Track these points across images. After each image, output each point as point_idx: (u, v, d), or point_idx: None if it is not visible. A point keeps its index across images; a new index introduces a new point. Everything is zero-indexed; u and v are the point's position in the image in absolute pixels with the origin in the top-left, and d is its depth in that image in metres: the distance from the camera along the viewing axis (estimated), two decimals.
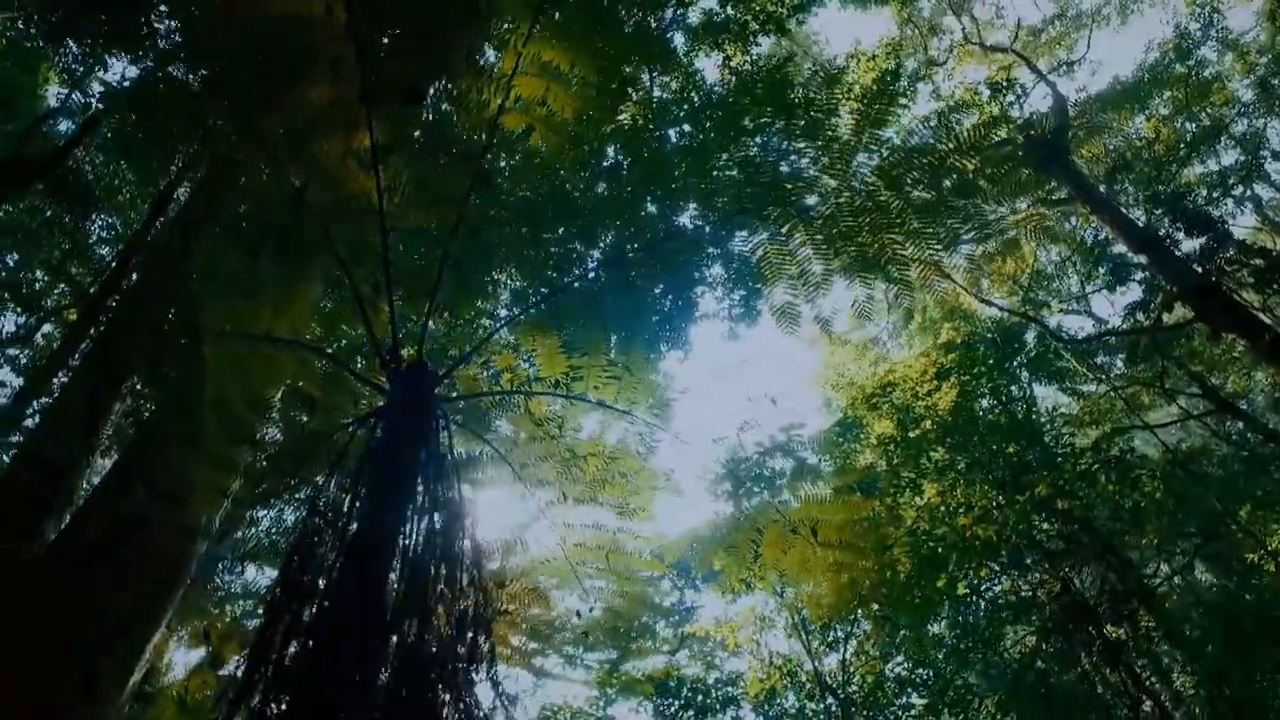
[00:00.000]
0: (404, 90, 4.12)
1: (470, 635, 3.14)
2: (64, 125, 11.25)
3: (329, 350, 5.07)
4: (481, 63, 4.58)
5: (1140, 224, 13.78)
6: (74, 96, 10.06)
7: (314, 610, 2.96)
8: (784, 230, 7.95)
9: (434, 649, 2.97)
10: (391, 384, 3.99)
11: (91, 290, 10.34)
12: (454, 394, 5.64)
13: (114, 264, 8.99)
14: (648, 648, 17.66)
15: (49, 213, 10.56)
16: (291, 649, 2.83)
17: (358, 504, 3.36)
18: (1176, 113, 16.50)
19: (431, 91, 4.38)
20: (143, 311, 5.58)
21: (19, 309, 10.79)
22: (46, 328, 11.11)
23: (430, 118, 4.48)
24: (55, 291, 11.51)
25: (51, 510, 4.76)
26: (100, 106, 9.01)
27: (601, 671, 15.46)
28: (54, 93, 11.22)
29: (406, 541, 3.22)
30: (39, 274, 11.09)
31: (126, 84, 9.05)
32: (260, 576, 10.95)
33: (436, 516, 3.43)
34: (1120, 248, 14.16)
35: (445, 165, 4.45)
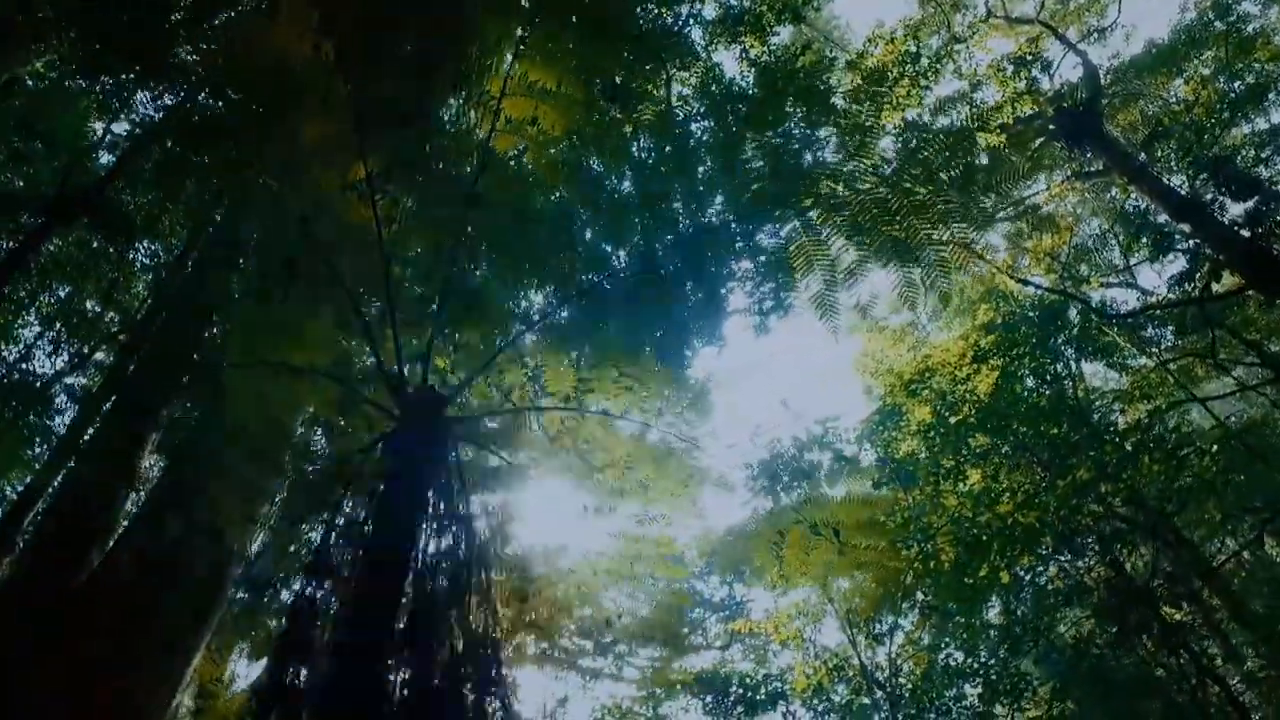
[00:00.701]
0: (394, 120, 4.18)
1: (480, 649, 3.17)
2: (106, 158, 11.63)
3: (341, 377, 5.18)
4: (469, 88, 4.64)
5: (1182, 191, 13.32)
6: (110, 130, 10.41)
7: (328, 632, 3.03)
8: (811, 220, 7.89)
9: (442, 664, 3.01)
10: (399, 409, 4.05)
11: (136, 318, 10.68)
12: (476, 410, 5.70)
13: (150, 294, 9.30)
14: (699, 644, 17.64)
15: (95, 244, 10.94)
16: (308, 668, 2.90)
17: (368, 528, 3.42)
18: (1218, 73, 15.88)
19: (422, 118, 4.44)
20: (167, 344, 5.75)
21: (73, 339, 11.19)
22: (99, 355, 11.51)
23: (422, 144, 4.55)
24: (107, 318, 11.92)
25: (95, 540, 4.93)
26: (126, 142, 9.31)
27: (651, 671, 15.47)
28: (95, 127, 11.59)
29: (415, 563, 3.26)
30: (90, 304, 11.50)
31: (158, 116, 9.36)
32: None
33: (447, 536, 3.47)
34: (1163, 217, 13.73)
35: (441, 190, 4.51)
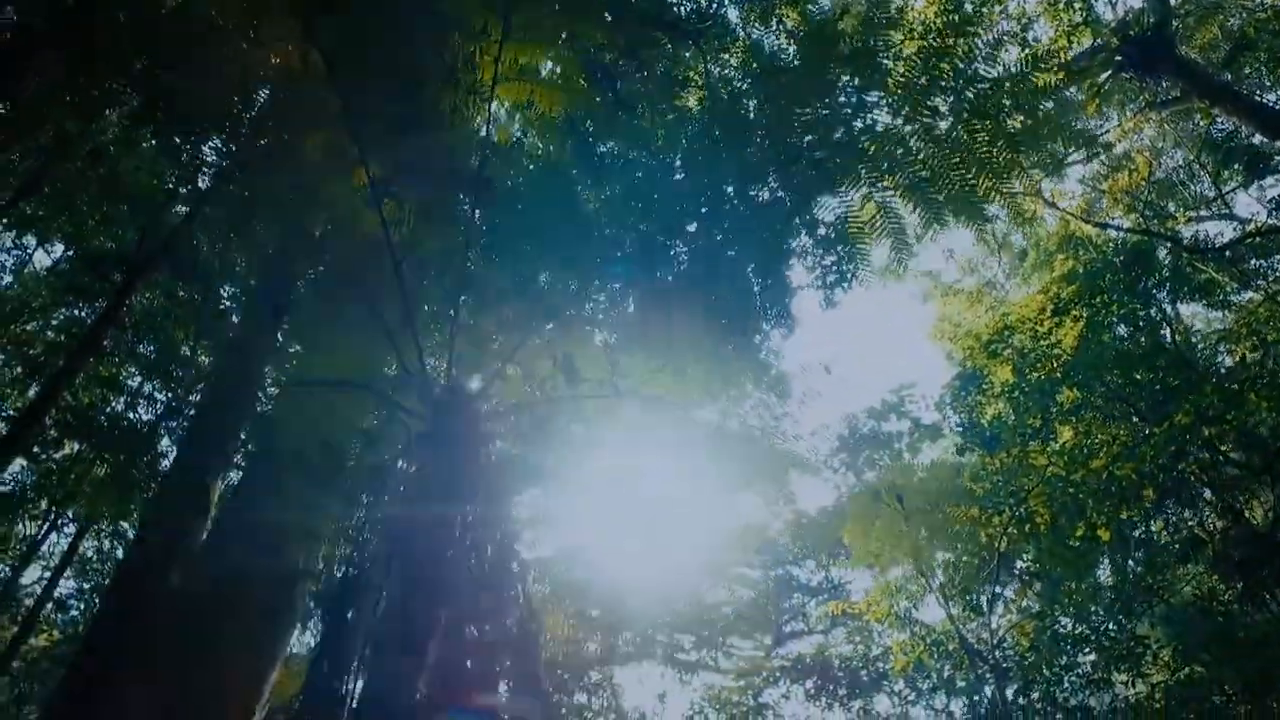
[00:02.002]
0: (390, 122, 4.23)
1: (515, 649, 3.19)
2: (181, 209, 12.24)
3: (375, 387, 5.30)
4: (462, 79, 4.66)
5: (1276, 105, 12.36)
6: (181, 183, 10.94)
7: (362, 640, 3.11)
8: (868, 187, 7.68)
9: (473, 666, 3.05)
10: (428, 409, 4.08)
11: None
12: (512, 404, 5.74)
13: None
14: (800, 630, 17.48)
15: (179, 293, 11.55)
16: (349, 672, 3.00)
17: (400, 530, 3.49)
18: None
19: (418, 116, 4.47)
20: (232, 378, 5.99)
21: (166, 387, 11.85)
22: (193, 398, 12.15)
23: (424, 142, 4.59)
24: (199, 361, 12.59)
25: (173, 565, 5.22)
26: (191, 189, 9.80)
27: (751, 660, 15.38)
28: (168, 179, 12.18)
29: (448, 562, 3.29)
30: (182, 351, 12.14)
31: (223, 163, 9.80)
32: None
33: (480, 533, 3.49)
34: (1257, 138, 12.77)
35: (445, 188, 4.56)
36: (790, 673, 12.53)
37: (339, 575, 3.53)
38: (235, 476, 6.78)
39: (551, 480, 6.30)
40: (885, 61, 7.62)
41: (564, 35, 5.13)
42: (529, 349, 5.80)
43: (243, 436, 6.23)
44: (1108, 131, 14.81)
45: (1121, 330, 11.24)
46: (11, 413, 12.19)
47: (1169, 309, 12.58)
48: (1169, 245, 11.95)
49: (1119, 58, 12.95)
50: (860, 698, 11.27)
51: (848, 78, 7.59)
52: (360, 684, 2.89)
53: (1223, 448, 9.02)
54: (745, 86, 12.37)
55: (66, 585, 14.33)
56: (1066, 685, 9.17)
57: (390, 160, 4.32)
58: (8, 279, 13.97)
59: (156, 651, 4.56)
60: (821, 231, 10.31)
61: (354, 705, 2.86)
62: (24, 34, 6.38)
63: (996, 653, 9.46)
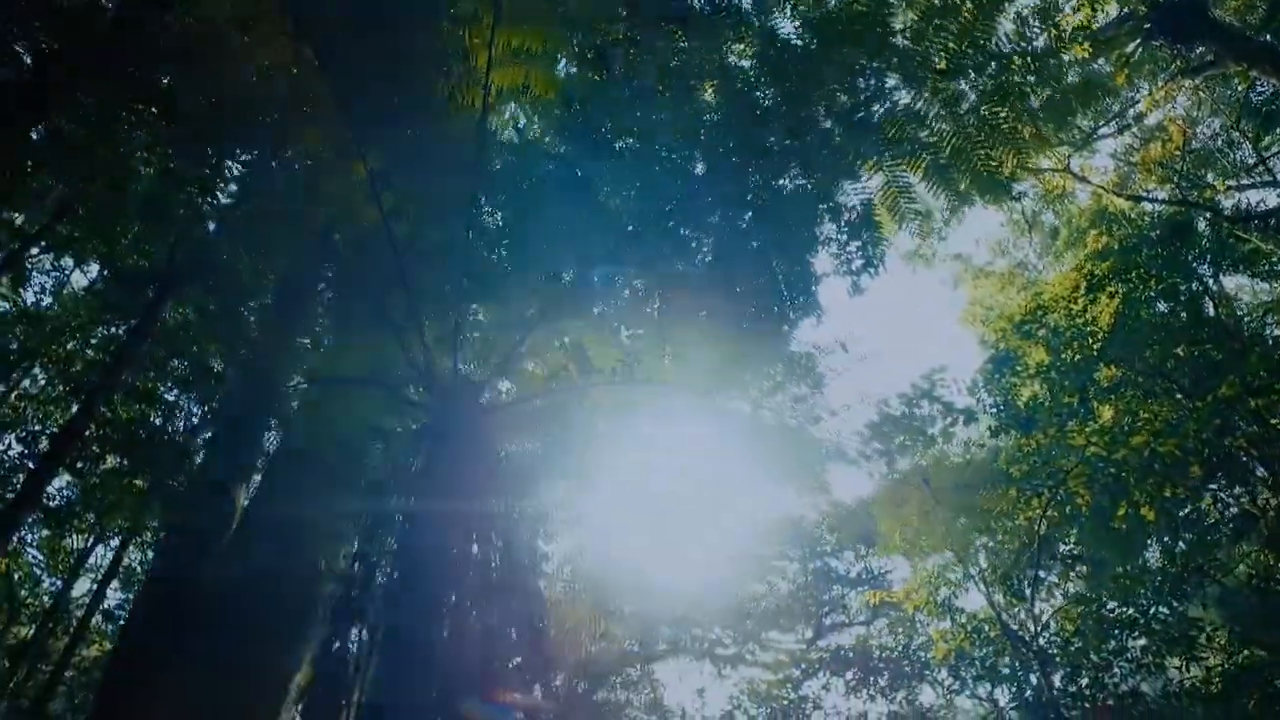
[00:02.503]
0: (384, 114, 4.22)
1: (525, 643, 3.16)
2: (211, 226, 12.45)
3: (385, 382, 5.31)
4: (456, 67, 4.63)
5: None
6: (210, 199, 11.12)
7: (370, 636, 3.12)
8: (890, 169, 7.55)
9: (481, 661, 3.03)
10: (434, 402, 4.07)
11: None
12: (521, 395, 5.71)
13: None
14: (840, 622, 17.28)
15: (211, 307, 11.74)
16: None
17: (407, 525, 3.48)
18: None
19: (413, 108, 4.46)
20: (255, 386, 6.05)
21: (200, 398, 12.06)
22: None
23: (419, 134, 4.57)
24: (227, 371, 12.78)
25: (196, 581, 5.29)
26: (211, 203, 9.97)
27: (795, 652, 15.25)
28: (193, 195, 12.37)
29: (451, 557, 3.28)
30: (211, 363, 12.35)
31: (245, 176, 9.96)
32: None
33: (486, 526, 3.47)
34: None
35: (444, 178, 4.54)
36: (830, 665, 12.38)
37: (348, 571, 3.56)
38: (259, 478, 6.89)
39: (574, 475, 6.28)
40: (904, 42, 7.47)
41: (576, 32, 5.08)
42: (547, 344, 5.79)
43: (266, 439, 6.32)
44: (1139, 102, 14.39)
45: (1161, 305, 10.90)
46: (54, 429, 12.50)
47: (1211, 282, 12.17)
48: (1209, 216, 11.57)
49: (1148, 25, 12.57)
50: (903, 688, 11.07)
51: (865, 59, 7.46)
52: (368, 679, 2.91)
53: (1273, 420, 8.70)
54: (760, 75, 12.24)
55: (115, 596, 14.71)
56: (1116, 671, 8.90)
57: (388, 151, 4.31)
58: (48, 300, 14.34)
59: (185, 653, 4.64)
60: (845, 217, 10.15)
61: (361, 700, 2.88)
62: (45, 65, 6.51)
63: (1041, 639, 9.22)
